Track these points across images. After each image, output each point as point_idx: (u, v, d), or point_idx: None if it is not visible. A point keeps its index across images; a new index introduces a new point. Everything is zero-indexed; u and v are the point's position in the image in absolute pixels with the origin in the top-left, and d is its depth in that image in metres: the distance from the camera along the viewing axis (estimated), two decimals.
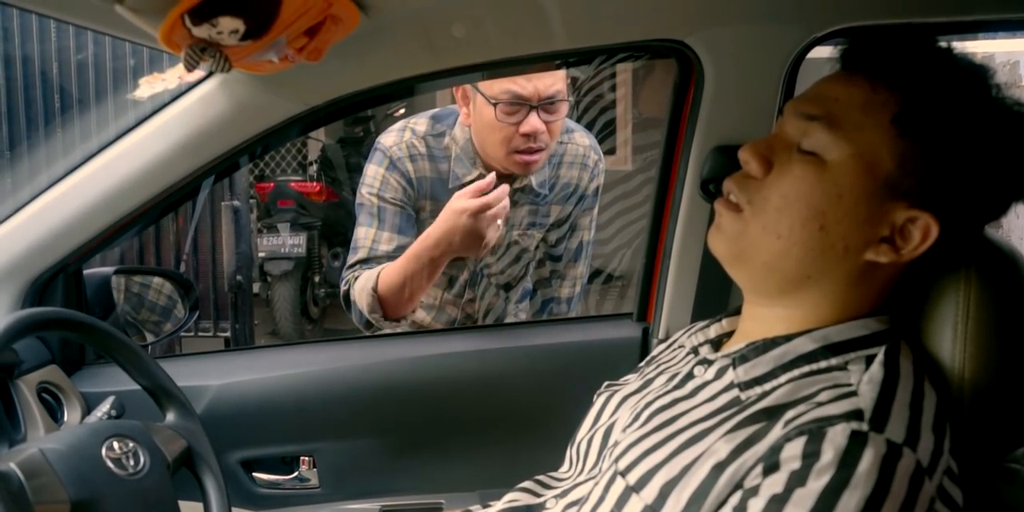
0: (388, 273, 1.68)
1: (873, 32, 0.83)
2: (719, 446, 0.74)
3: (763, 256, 0.81)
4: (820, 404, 0.72)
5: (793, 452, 0.68)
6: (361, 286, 1.73)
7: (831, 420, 0.69)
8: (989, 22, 1.24)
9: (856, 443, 0.67)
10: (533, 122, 1.68)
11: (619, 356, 1.44)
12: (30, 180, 1.31)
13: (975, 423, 0.79)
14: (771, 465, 0.69)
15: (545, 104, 1.69)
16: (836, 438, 0.67)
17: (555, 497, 0.91)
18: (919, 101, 0.76)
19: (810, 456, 0.67)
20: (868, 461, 0.66)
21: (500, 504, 0.96)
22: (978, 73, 0.79)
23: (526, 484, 0.98)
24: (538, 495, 0.95)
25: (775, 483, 0.68)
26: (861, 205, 0.77)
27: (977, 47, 4.27)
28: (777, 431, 0.72)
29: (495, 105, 1.67)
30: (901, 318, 0.83)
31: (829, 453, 0.67)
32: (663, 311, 1.39)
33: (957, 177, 0.77)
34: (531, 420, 1.45)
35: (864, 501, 0.65)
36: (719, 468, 0.72)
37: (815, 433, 0.68)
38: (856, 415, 0.70)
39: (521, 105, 1.67)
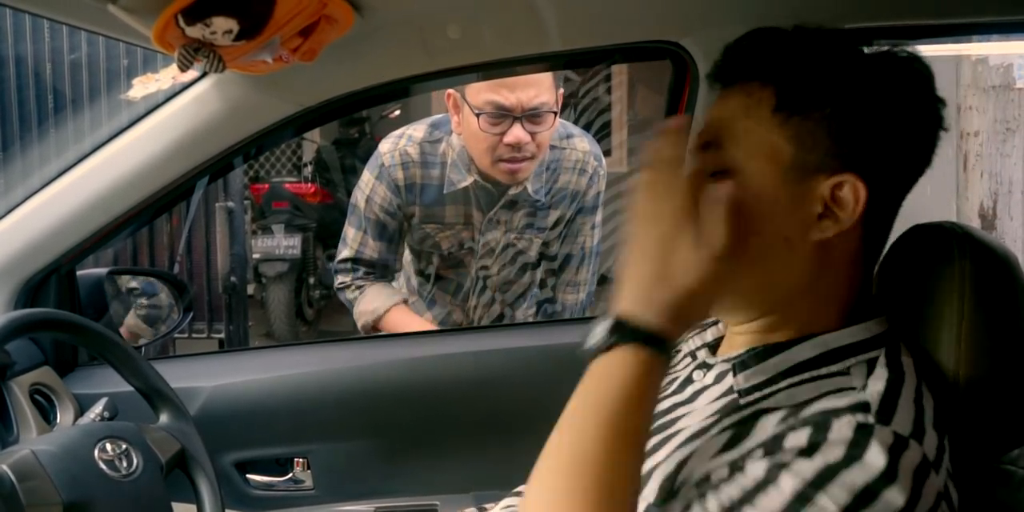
0: (396, 322, 1.83)
1: (732, 44, 0.84)
2: (718, 440, 0.74)
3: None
4: (824, 398, 0.72)
5: (796, 443, 0.67)
6: (364, 308, 1.87)
7: (836, 412, 0.69)
8: (983, 24, 1.24)
9: (862, 434, 0.66)
10: (516, 133, 1.69)
11: None
12: (23, 181, 1.31)
13: (971, 424, 0.79)
14: (773, 450, 0.68)
15: (529, 115, 1.69)
16: (842, 429, 0.67)
17: None
18: (790, 83, 0.77)
19: (815, 445, 0.66)
20: (875, 451, 0.65)
21: (497, 509, 0.96)
22: (835, 37, 0.81)
23: (522, 489, 0.98)
24: None
25: (775, 459, 0.67)
26: (779, 196, 0.77)
27: (971, 50, 4.28)
28: (777, 421, 0.72)
29: (479, 115, 1.68)
30: (898, 321, 0.83)
31: (834, 439, 0.66)
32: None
33: (855, 130, 0.77)
34: (526, 422, 1.44)
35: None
36: (718, 455, 0.72)
37: (820, 424, 0.68)
38: (862, 407, 0.70)
39: (505, 116, 1.68)
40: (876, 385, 0.73)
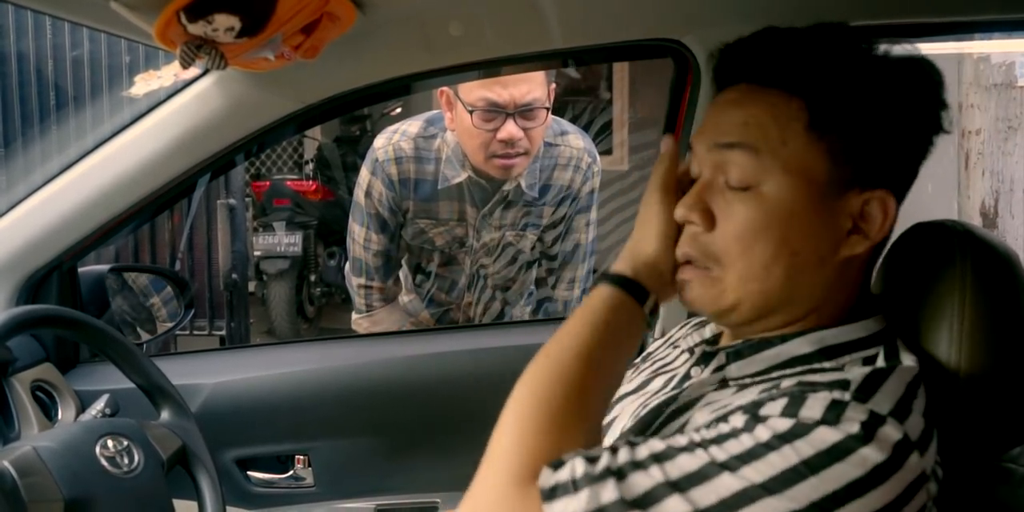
0: None
1: (744, 42, 0.82)
2: (697, 417, 0.75)
3: (752, 301, 0.78)
4: (806, 373, 0.74)
5: (772, 410, 0.68)
6: (367, 327, 1.96)
7: (814, 386, 0.69)
8: (985, 23, 1.24)
9: (835, 410, 0.66)
10: (510, 129, 1.71)
11: None
12: (25, 177, 1.31)
13: (971, 422, 0.79)
14: (752, 414, 0.68)
15: (522, 111, 1.70)
16: (815, 405, 0.67)
17: None
18: (823, 99, 0.76)
19: (788, 415, 0.67)
20: (848, 422, 0.66)
21: None
22: (855, 40, 0.80)
23: None
24: None
25: (755, 416, 0.68)
26: (816, 214, 0.76)
27: (973, 48, 4.28)
28: (757, 391, 0.73)
29: (471, 112, 1.68)
30: (899, 319, 0.83)
31: (806, 413, 0.66)
32: (659, 310, 1.38)
33: (888, 146, 0.76)
34: None
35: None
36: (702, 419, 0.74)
37: (796, 396, 0.68)
38: (841, 385, 0.70)
39: (497, 113, 1.69)
40: (864, 370, 0.73)
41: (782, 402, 0.68)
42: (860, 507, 0.64)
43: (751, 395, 0.73)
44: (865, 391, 0.69)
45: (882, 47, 0.79)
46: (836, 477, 0.64)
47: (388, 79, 1.22)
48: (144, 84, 1.23)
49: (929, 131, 0.79)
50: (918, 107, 0.78)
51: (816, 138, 0.75)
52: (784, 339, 0.79)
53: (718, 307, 0.80)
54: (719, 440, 0.67)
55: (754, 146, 0.76)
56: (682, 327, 0.99)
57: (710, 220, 0.78)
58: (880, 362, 0.76)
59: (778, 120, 0.76)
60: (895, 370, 0.73)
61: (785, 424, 0.66)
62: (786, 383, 0.72)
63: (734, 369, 0.80)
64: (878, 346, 0.78)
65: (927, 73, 0.79)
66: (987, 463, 0.80)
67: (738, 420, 0.68)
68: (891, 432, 0.66)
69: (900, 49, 0.79)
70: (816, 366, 0.77)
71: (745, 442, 0.66)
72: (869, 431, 0.65)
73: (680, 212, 0.79)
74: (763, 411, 0.68)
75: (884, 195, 0.76)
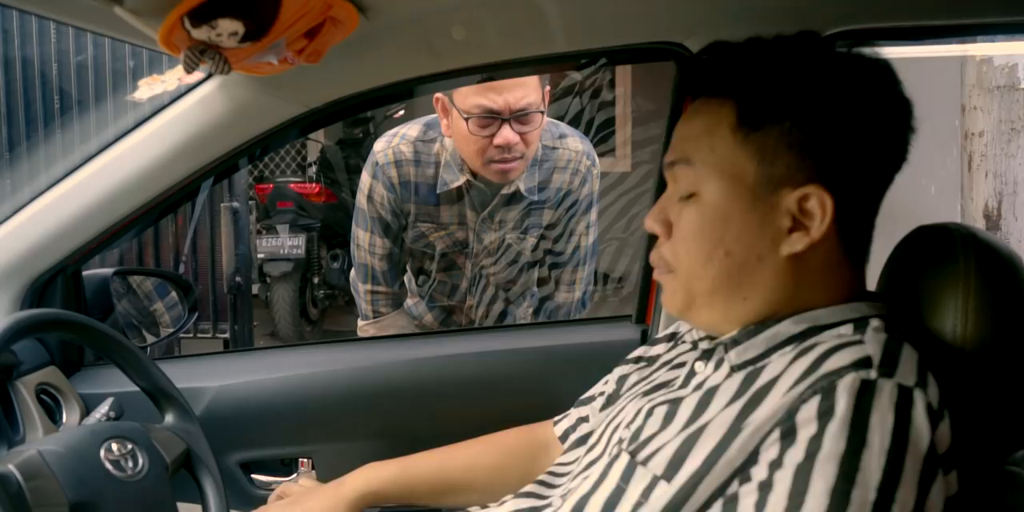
0: None
1: (693, 57, 0.87)
2: (724, 415, 0.75)
3: (701, 299, 0.83)
4: (827, 355, 0.73)
5: (808, 414, 0.69)
6: (373, 332, 1.96)
7: (840, 372, 0.71)
8: (988, 25, 1.24)
9: (867, 393, 0.68)
10: (506, 135, 1.72)
11: (618, 358, 1.43)
12: (29, 181, 1.31)
13: (975, 426, 0.79)
14: (788, 430, 0.70)
15: (518, 116, 1.71)
16: (847, 391, 0.69)
17: (561, 496, 0.91)
18: (748, 99, 0.79)
19: (825, 415, 0.68)
20: (883, 409, 0.68)
21: (499, 508, 0.96)
22: (792, 46, 0.82)
23: (527, 489, 0.98)
24: (542, 497, 0.95)
25: (796, 453, 0.68)
26: (748, 214, 0.79)
27: (976, 50, 4.27)
28: (783, 391, 0.73)
29: (467, 119, 1.69)
30: (896, 315, 0.83)
31: (842, 407, 0.68)
32: (662, 313, 1.38)
33: (814, 141, 0.77)
34: (528, 421, 1.45)
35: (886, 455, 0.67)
36: (729, 435, 0.74)
37: (827, 389, 0.70)
38: (864, 363, 0.71)
39: (493, 118, 1.70)
40: (878, 337, 0.74)
41: (815, 402, 0.69)
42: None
43: (775, 400, 0.73)
44: (888, 363, 0.71)
45: (822, 51, 0.82)
46: (912, 476, 0.67)
47: (391, 83, 1.22)
48: (148, 88, 1.23)
49: (862, 124, 0.79)
50: (844, 101, 0.78)
51: (742, 138, 0.79)
52: (778, 320, 0.81)
53: (676, 307, 0.85)
54: (794, 508, 0.66)
55: (688, 158, 0.82)
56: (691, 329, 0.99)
57: (667, 230, 0.84)
58: (874, 330, 0.77)
59: (709, 127, 0.80)
60: (905, 345, 0.75)
61: (835, 448, 0.67)
62: (799, 387, 0.72)
63: (733, 355, 0.82)
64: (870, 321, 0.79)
65: (859, 70, 0.81)
66: (992, 467, 0.80)
67: (786, 475, 0.68)
68: (920, 405, 0.69)
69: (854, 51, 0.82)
70: (812, 340, 0.77)
71: (819, 490, 0.66)
72: (904, 413, 0.68)
73: (647, 223, 0.86)
74: (800, 416, 0.69)
75: (818, 191, 0.77)
